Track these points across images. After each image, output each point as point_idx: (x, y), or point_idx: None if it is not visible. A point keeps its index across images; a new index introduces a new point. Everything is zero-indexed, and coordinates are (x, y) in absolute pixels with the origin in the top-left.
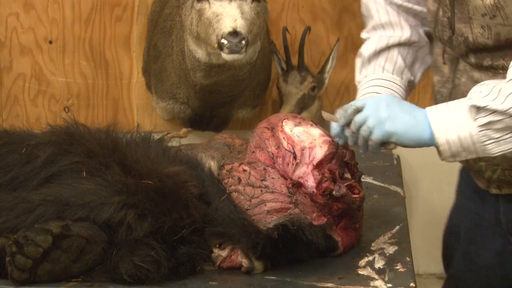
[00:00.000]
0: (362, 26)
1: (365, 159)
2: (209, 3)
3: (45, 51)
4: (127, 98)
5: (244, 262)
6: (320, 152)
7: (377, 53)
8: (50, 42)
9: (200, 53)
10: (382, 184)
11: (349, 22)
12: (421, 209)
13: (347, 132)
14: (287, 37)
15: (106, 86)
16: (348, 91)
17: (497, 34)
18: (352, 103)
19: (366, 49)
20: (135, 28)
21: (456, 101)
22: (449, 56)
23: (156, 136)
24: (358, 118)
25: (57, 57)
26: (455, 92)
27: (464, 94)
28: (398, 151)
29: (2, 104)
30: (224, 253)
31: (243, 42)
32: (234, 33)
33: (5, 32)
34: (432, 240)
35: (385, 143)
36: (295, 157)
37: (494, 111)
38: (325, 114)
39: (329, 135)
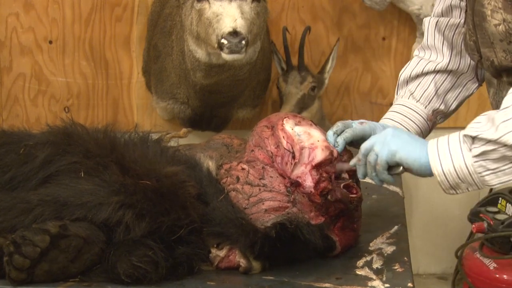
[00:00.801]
0: (362, 26)
1: None
2: (209, 3)
3: (45, 51)
4: (127, 98)
5: (242, 262)
6: (320, 154)
7: (413, 77)
8: (50, 42)
9: (200, 53)
10: None
11: (349, 22)
12: (421, 209)
13: (355, 162)
14: (287, 37)
15: (106, 86)
16: (348, 91)
17: None
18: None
19: (404, 71)
20: (135, 28)
21: (456, 133)
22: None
23: (155, 136)
24: (364, 145)
25: (57, 57)
26: (500, 104)
27: None
28: None
29: (2, 104)
30: (222, 253)
31: (243, 42)
32: (234, 33)
33: (5, 32)
34: (432, 240)
35: (392, 167)
36: (293, 157)
37: (487, 141)
38: None
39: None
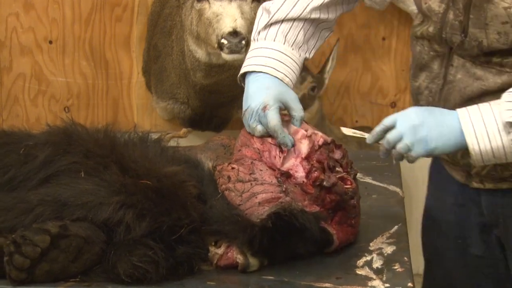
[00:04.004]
0: (362, 26)
1: (364, 159)
2: (209, 3)
3: (45, 51)
4: (127, 98)
5: (239, 258)
6: (304, 147)
7: (284, 20)
8: (50, 42)
9: (200, 53)
10: (381, 184)
11: (349, 22)
12: (420, 209)
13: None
14: None
15: (106, 86)
16: (348, 91)
17: None
18: (382, 123)
19: (276, 10)
20: (135, 28)
21: (488, 107)
22: (438, 53)
23: (155, 136)
24: (391, 136)
25: (57, 57)
26: (449, 88)
27: (461, 91)
28: None
29: (2, 104)
30: (220, 250)
31: (243, 42)
32: (234, 33)
33: (5, 32)
34: None
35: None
36: (281, 150)
37: None
38: (346, 130)
39: (306, 128)
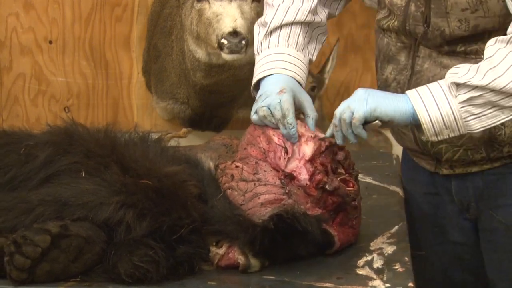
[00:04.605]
0: (362, 26)
1: (365, 159)
2: (209, 3)
3: (45, 51)
4: (127, 98)
5: (240, 259)
6: (308, 149)
7: (282, 26)
8: (50, 42)
9: (200, 53)
10: (381, 184)
11: (349, 22)
12: None
13: (333, 130)
14: None
15: (106, 86)
16: (348, 91)
17: (475, 26)
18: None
19: (271, 19)
20: (135, 28)
21: (434, 82)
22: (405, 44)
23: (155, 136)
24: (338, 110)
25: (57, 57)
26: (417, 78)
27: (429, 79)
28: (398, 150)
29: (2, 104)
30: (221, 251)
31: (243, 42)
32: (234, 33)
33: (5, 32)
34: None
35: (368, 122)
36: (286, 152)
37: (474, 87)
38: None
39: (312, 132)
